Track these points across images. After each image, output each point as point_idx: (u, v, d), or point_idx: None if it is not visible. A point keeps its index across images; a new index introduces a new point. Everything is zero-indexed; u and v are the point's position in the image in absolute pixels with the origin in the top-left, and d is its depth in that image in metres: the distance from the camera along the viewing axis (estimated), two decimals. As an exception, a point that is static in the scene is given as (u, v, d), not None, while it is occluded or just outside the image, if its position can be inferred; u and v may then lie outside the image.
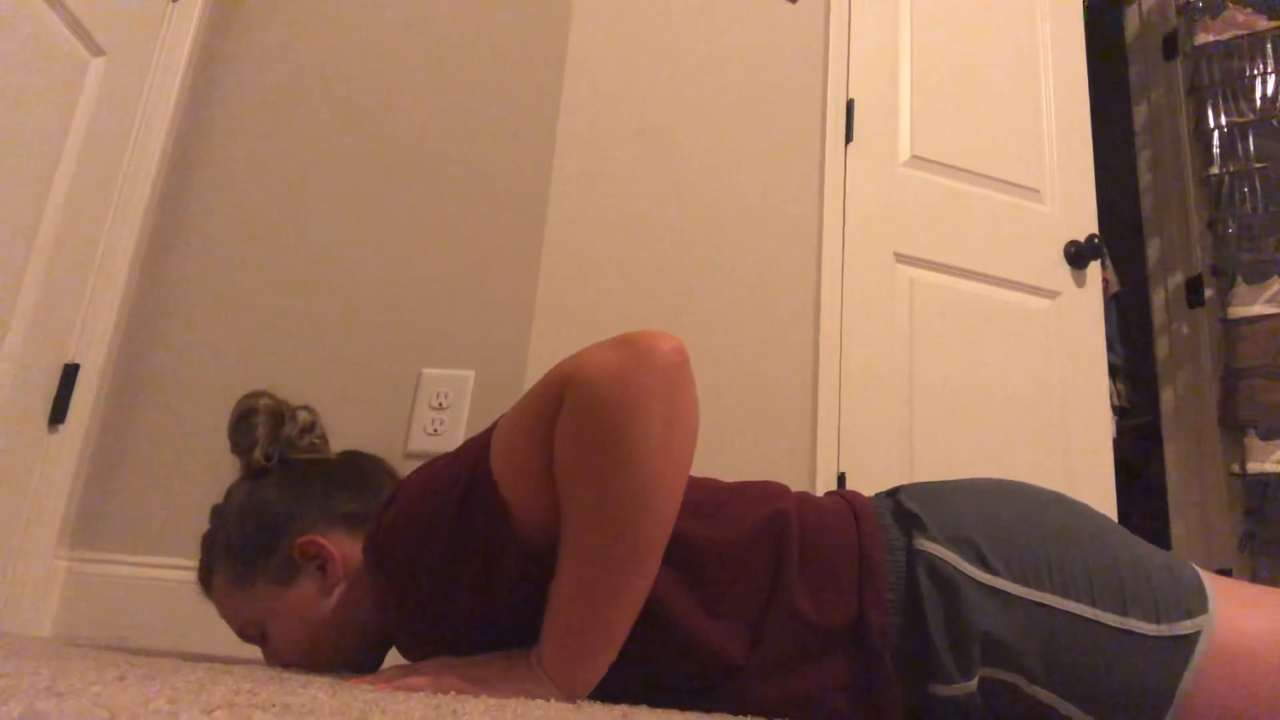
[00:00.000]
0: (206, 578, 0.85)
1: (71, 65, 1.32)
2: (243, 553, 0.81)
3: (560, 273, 1.43)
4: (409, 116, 1.54)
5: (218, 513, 0.86)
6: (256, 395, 0.86)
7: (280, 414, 0.85)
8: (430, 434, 1.34)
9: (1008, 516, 0.71)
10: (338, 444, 1.40)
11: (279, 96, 1.58)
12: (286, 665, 0.81)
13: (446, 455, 0.74)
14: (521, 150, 1.49)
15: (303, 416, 0.87)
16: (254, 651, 0.84)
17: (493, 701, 0.56)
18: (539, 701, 0.60)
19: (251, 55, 1.61)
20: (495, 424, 0.70)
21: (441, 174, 1.49)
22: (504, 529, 0.65)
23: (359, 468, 0.88)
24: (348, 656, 0.80)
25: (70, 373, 1.34)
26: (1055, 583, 0.66)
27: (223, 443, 1.41)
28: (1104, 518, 0.74)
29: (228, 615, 0.84)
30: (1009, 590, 0.66)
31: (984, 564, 0.67)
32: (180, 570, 1.32)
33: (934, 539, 0.69)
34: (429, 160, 1.50)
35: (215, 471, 1.40)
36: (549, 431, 0.64)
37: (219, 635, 1.29)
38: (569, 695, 0.64)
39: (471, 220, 1.46)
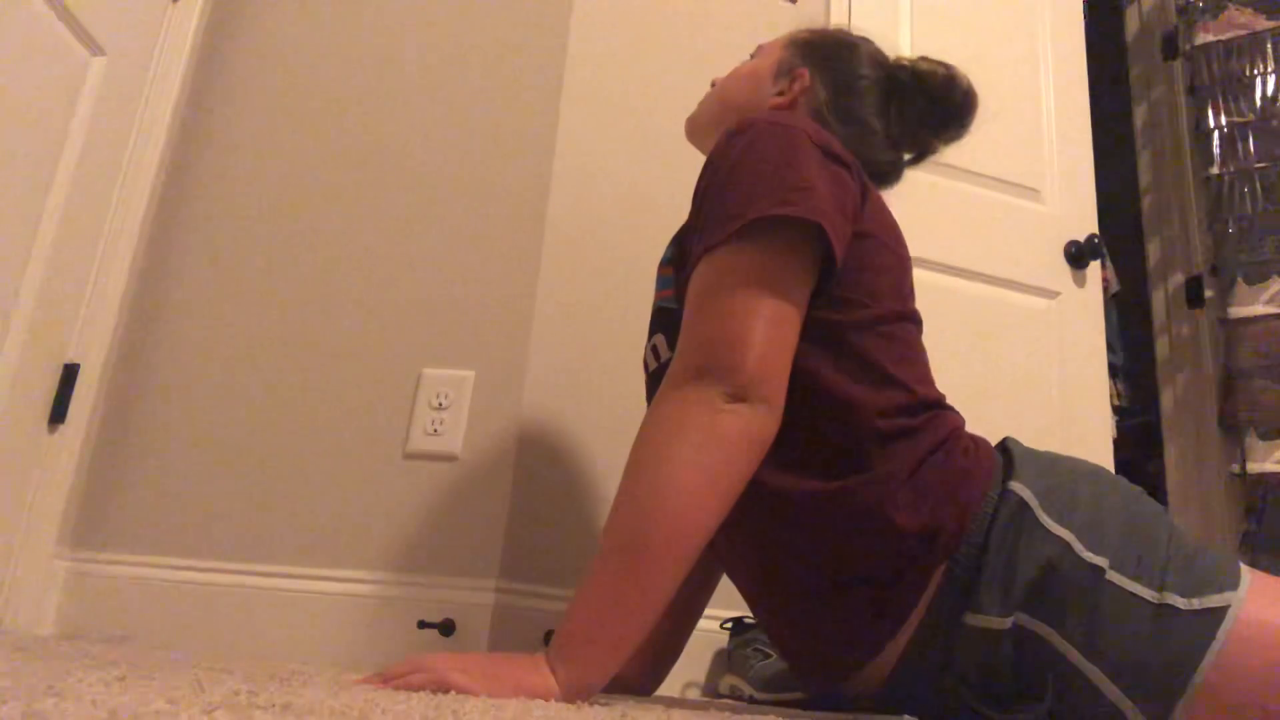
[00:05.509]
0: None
1: (71, 65, 1.32)
2: (811, 41, 1.08)
3: (560, 273, 1.43)
4: (409, 115, 1.54)
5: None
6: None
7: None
8: (430, 434, 1.34)
9: (1087, 486, 0.75)
10: (337, 444, 1.41)
11: (279, 96, 1.58)
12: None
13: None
14: (521, 150, 1.48)
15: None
16: (253, 652, 0.84)
17: (493, 701, 0.56)
18: (539, 702, 0.60)
19: (251, 55, 1.61)
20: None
21: (442, 174, 1.49)
22: None
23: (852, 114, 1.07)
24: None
25: (70, 373, 1.34)
26: (1109, 550, 0.68)
27: (223, 442, 1.42)
28: (1153, 500, 0.78)
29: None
30: (1074, 546, 0.69)
31: (1057, 518, 0.71)
32: (181, 570, 1.32)
33: (1023, 483, 0.73)
34: (429, 160, 1.50)
35: (215, 471, 1.41)
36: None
37: (219, 635, 1.30)
38: (569, 691, 0.64)
39: (471, 220, 1.46)
